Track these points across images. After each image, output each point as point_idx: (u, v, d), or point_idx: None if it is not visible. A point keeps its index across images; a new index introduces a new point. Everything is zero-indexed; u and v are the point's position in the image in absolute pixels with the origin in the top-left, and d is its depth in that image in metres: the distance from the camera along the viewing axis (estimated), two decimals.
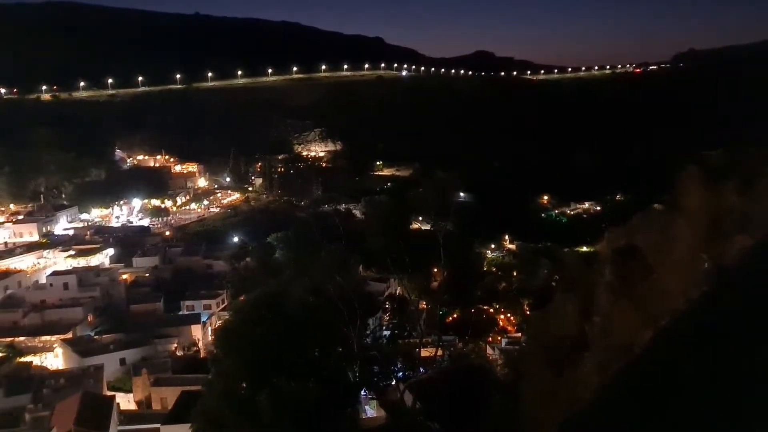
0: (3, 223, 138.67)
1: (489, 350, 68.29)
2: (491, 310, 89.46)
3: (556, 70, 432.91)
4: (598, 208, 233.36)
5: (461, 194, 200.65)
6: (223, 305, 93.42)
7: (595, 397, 11.66)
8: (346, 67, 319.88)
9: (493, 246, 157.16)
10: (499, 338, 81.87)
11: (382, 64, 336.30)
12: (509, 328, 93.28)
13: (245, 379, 32.35)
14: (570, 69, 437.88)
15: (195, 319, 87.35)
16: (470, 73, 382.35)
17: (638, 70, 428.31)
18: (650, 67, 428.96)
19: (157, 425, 50.84)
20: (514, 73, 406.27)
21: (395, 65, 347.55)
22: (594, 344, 17.00)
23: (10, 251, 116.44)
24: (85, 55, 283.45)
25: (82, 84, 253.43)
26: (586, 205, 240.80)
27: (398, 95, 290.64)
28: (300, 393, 28.41)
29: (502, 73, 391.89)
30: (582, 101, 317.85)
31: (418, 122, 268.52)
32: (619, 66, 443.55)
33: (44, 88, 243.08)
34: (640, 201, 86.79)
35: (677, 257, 15.31)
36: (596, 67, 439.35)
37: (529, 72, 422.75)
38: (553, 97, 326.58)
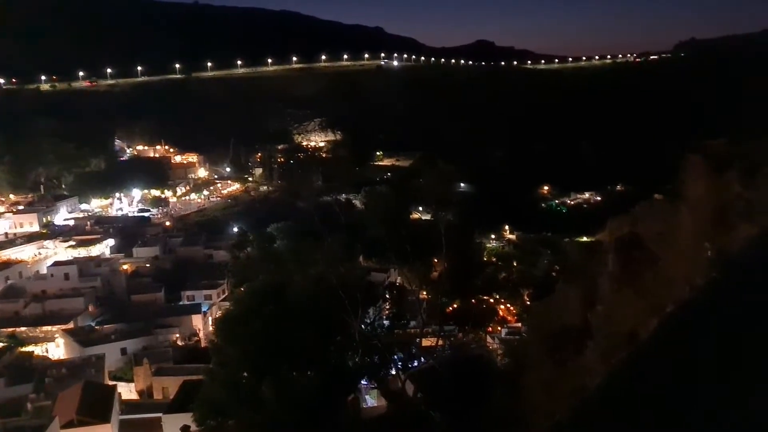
0: (3, 213, 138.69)
1: (489, 340, 68.47)
2: (491, 300, 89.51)
3: (556, 60, 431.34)
4: (599, 198, 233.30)
5: (462, 184, 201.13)
6: (224, 295, 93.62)
7: (598, 386, 11.65)
8: (346, 56, 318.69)
9: (493, 236, 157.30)
10: (499, 328, 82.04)
11: (382, 54, 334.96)
12: (509, 318, 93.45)
13: (247, 368, 32.45)
14: (570, 59, 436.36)
15: (196, 309, 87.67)
16: (470, 62, 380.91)
17: (638, 59, 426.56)
18: (651, 57, 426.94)
19: (159, 414, 50.98)
20: (515, 62, 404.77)
21: (395, 55, 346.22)
22: (597, 333, 16.99)
23: (10, 242, 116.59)
24: (84, 45, 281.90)
25: (81, 74, 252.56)
26: (587, 195, 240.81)
27: (398, 85, 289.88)
28: (302, 382, 28.52)
29: (503, 63, 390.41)
30: (582, 91, 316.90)
31: (418, 112, 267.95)
32: (620, 55, 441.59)
33: (43, 78, 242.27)
34: (641, 191, 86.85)
35: (681, 246, 15.27)
36: (597, 57, 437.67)
37: (529, 62, 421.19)
38: (554, 87, 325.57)
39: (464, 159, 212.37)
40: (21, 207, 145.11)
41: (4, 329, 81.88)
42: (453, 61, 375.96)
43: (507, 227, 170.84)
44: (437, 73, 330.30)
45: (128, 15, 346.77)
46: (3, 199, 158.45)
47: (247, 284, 44.11)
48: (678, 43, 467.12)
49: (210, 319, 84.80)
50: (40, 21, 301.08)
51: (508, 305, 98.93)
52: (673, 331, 10.29)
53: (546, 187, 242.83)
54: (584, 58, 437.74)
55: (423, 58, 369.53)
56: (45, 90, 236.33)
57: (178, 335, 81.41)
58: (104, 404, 51.97)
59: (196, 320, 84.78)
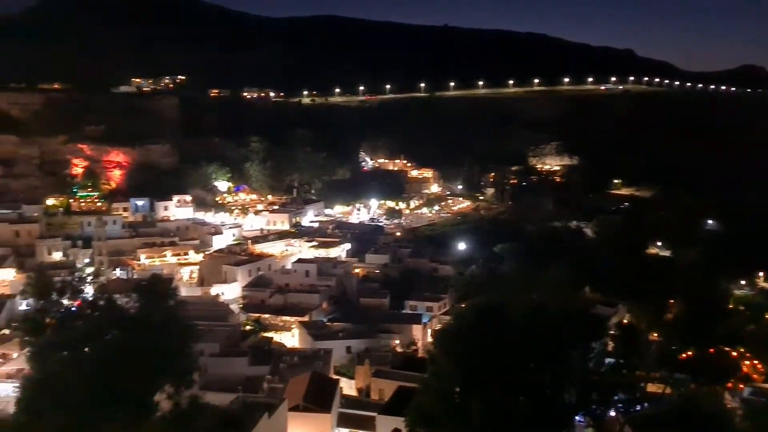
0: (262, 211, 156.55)
1: (728, 397, 61.40)
2: (734, 354, 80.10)
3: None
4: None
5: (709, 221, 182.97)
6: (445, 309, 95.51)
7: None
8: (590, 79, 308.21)
9: (743, 282, 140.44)
10: (741, 386, 72.96)
11: (631, 78, 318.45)
12: (755, 376, 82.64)
13: (459, 383, 32.85)
14: None
15: (417, 318, 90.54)
16: (733, 89, 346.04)
17: None
18: None
19: (374, 414, 53.44)
20: None
21: (645, 79, 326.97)
22: None
23: (264, 237, 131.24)
24: (342, 63, 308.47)
25: (337, 90, 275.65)
26: None
27: (645, 110, 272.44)
28: (513, 406, 28.18)
29: None
30: None
31: (666, 141, 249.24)
32: None
33: (305, 92, 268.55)
34: None
35: None
36: None
37: None
38: None
39: (715, 194, 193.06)
40: (275, 207, 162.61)
41: (252, 314, 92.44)
42: (712, 87, 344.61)
43: (761, 274, 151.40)
44: (691, 99, 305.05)
45: (385, 36, 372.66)
46: (263, 198, 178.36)
47: (469, 301, 44.66)
48: None
49: (429, 330, 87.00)
50: (307, 41, 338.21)
51: (755, 361, 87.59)
52: None
53: None
54: None
55: (677, 83, 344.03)
56: (306, 104, 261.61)
57: (398, 341, 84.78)
58: (327, 395, 55.84)
59: (416, 330, 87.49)
